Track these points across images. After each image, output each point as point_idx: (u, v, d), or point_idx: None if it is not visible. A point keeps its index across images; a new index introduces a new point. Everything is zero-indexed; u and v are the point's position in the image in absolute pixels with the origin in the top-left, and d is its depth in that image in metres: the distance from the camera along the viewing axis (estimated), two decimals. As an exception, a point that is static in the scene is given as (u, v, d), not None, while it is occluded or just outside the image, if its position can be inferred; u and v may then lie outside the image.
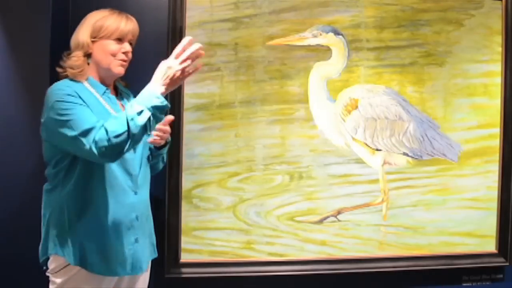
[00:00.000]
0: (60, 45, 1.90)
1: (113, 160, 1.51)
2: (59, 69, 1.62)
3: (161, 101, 1.48)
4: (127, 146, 1.45)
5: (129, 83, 1.80)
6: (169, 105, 1.53)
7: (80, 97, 1.52)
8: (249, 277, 2.08)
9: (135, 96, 1.54)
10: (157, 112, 1.48)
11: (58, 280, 1.57)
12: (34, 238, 1.65)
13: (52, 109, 1.51)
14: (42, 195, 1.63)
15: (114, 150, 1.45)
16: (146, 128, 1.47)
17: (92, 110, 1.53)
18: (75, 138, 1.46)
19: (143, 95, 1.49)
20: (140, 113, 1.45)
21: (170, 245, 2.02)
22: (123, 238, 1.60)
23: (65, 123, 1.48)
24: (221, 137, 2.05)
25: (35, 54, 1.85)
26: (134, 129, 1.44)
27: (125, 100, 1.72)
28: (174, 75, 1.50)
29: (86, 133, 1.45)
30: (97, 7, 1.70)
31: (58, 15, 1.90)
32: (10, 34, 1.85)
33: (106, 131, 1.44)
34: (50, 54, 1.85)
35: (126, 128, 1.43)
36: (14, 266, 1.87)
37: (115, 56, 1.62)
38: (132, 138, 1.45)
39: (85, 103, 1.52)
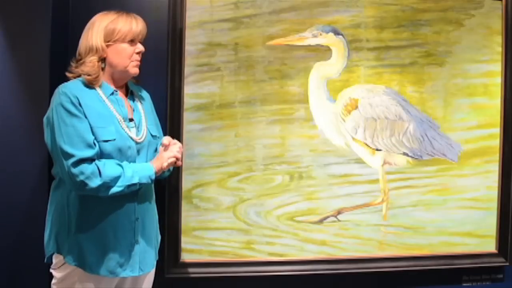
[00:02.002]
0: (60, 45, 1.91)
1: (75, 189, 1.54)
2: (69, 74, 1.62)
3: (150, 180, 1.62)
4: (100, 192, 1.53)
5: (139, 79, 1.80)
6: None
7: (81, 106, 1.52)
8: (249, 277, 2.08)
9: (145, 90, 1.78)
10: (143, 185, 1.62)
11: (58, 275, 1.59)
12: (39, 236, 1.67)
13: (53, 110, 1.53)
14: (41, 196, 1.63)
15: (96, 189, 1.51)
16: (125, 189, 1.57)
17: (94, 115, 1.54)
18: (59, 148, 1.50)
19: (143, 170, 1.60)
20: (134, 184, 1.57)
21: (170, 245, 2.02)
22: (122, 239, 1.60)
23: (58, 130, 1.50)
24: (221, 137, 2.05)
25: (35, 54, 1.85)
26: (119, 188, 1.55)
27: (136, 101, 1.72)
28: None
29: (66, 155, 1.48)
30: (97, 8, 1.70)
31: (58, 15, 1.90)
32: (10, 34, 1.85)
33: (100, 173, 1.50)
34: (50, 54, 1.85)
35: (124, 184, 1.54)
36: (18, 262, 1.88)
37: (130, 58, 1.63)
38: (107, 190, 1.53)
39: (85, 114, 1.52)
